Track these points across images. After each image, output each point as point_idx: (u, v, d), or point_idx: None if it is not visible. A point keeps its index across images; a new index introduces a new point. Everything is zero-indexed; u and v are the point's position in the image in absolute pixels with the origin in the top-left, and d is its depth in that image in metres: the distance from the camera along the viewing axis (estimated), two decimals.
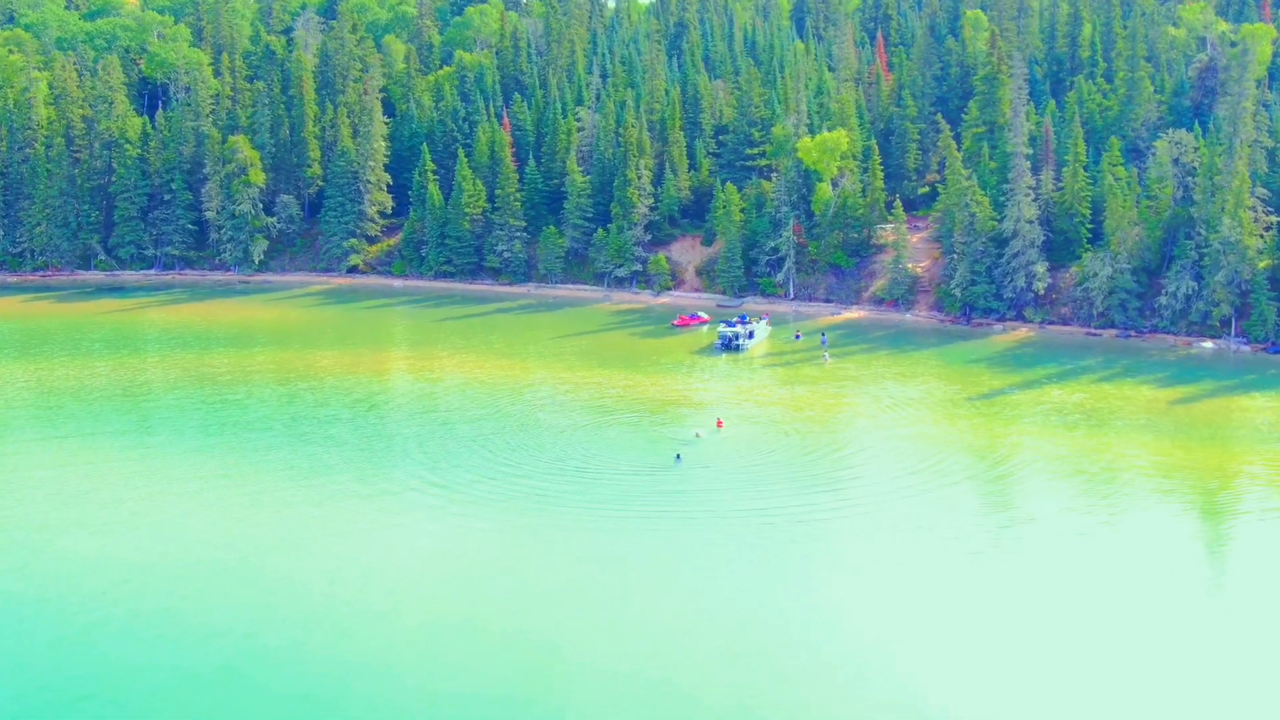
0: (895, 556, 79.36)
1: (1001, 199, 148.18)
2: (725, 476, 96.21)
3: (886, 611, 71.23)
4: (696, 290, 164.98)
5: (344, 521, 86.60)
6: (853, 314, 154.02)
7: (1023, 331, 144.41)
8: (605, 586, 75.78)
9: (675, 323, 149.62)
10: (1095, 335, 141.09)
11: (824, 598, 74.01)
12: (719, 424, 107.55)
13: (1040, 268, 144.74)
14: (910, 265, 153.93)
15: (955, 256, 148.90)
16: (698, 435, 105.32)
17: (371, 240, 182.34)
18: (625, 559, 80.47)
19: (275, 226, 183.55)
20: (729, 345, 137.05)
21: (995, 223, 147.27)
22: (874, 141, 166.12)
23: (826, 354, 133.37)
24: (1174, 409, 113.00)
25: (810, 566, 79.39)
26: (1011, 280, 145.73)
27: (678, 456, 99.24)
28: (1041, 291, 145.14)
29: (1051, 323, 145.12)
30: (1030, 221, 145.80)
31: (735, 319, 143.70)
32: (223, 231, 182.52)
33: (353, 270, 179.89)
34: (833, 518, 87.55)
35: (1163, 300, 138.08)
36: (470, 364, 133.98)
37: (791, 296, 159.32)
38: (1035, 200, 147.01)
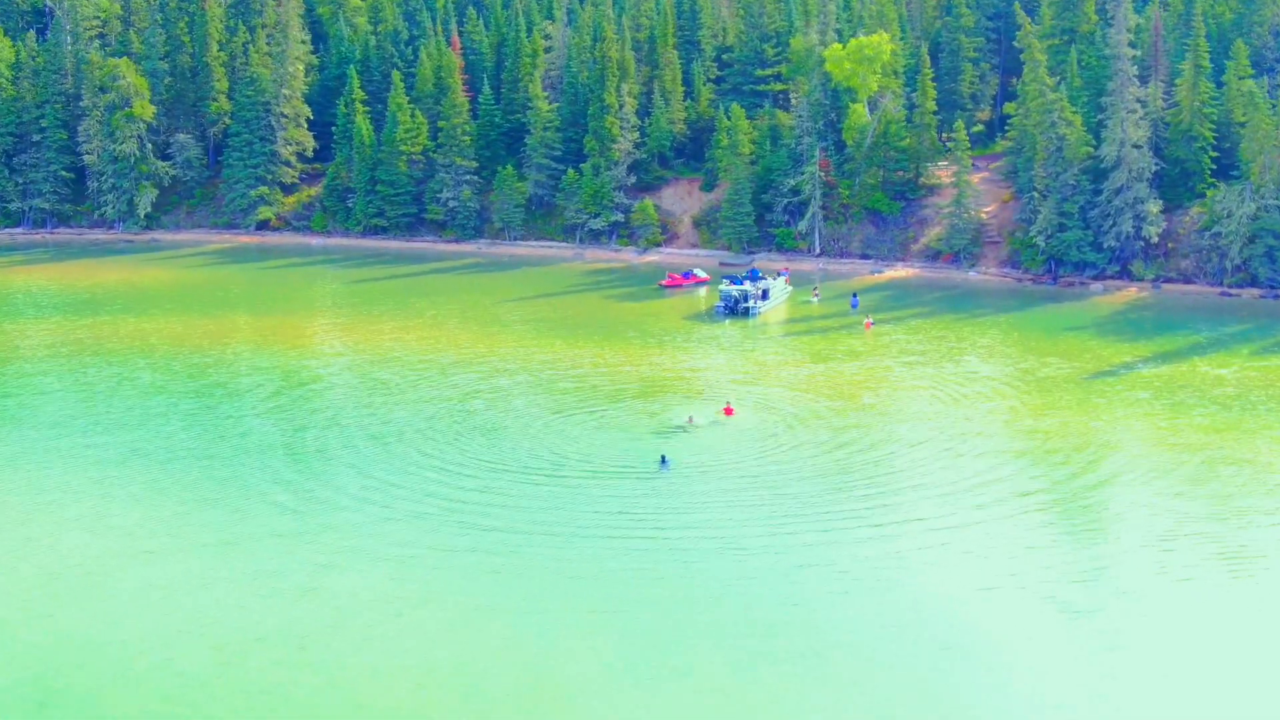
0: (989, 656, 43.22)
1: (1096, 121, 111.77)
2: (725, 492, 60.91)
3: None
4: (693, 246, 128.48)
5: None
6: (898, 272, 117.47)
7: (1131, 291, 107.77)
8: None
9: (663, 283, 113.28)
10: (1231, 295, 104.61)
11: None
12: (727, 411, 71.60)
13: (1152, 207, 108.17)
14: (974, 210, 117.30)
15: (1036, 195, 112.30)
16: (690, 421, 70.75)
17: (288, 189, 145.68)
18: (564, 664, 44.16)
19: (169, 173, 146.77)
20: (734, 308, 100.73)
21: (1090, 149, 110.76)
22: (924, 48, 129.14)
23: (862, 313, 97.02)
24: None
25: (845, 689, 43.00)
26: (1114, 225, 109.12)
27: (662, 459, 63.87)
28: (1154, 239, 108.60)
29: (1169, 280, 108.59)
30: (1138, 147, 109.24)
31: (742, 274, 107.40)
32: (103, 179, 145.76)
33: (263, 226, 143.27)
34: (879, 565, 51.94)
35: None
36: (383, 337, 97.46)
37: (817, 252, 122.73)
38: (1144, 119, 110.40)
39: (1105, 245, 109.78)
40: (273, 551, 54.26)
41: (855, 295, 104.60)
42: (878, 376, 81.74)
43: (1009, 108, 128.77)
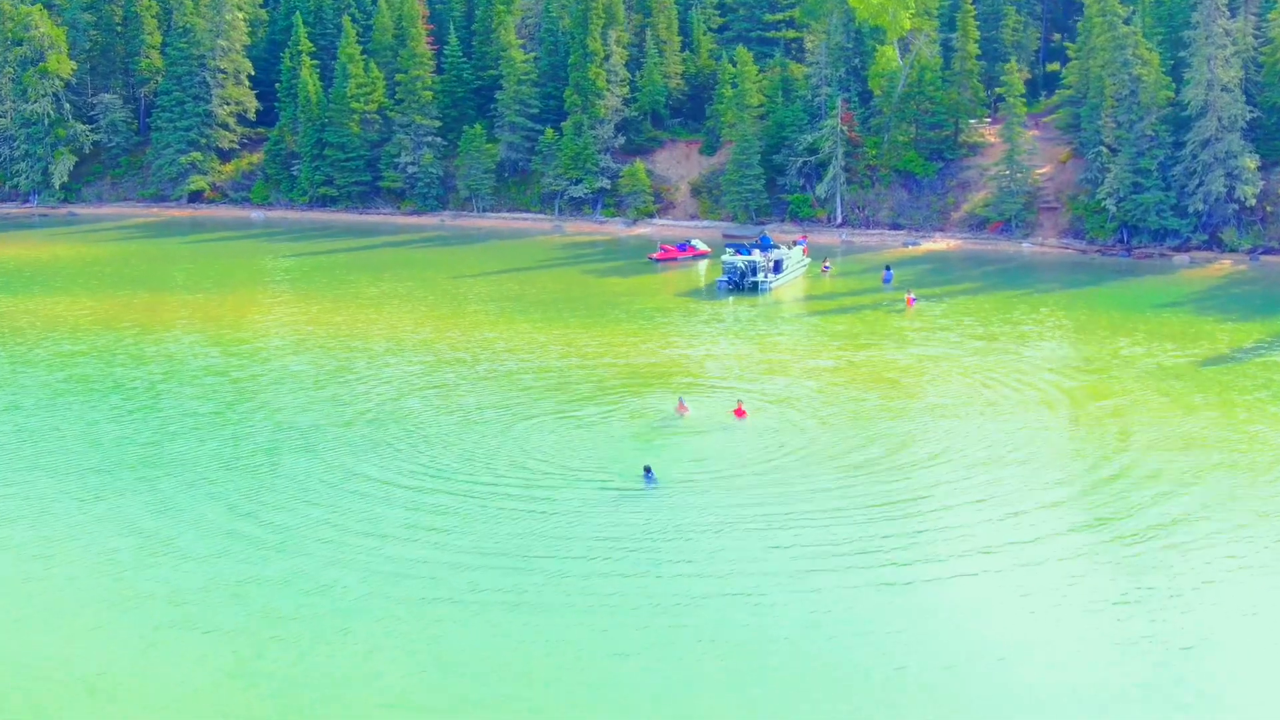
0: None
1: (1173, 62, 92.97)
2: (722, 522, 41.60)
3: None
4: (692, 217, 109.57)
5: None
6: (936, 244, 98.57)
7: (1223, 264, 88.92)
8: None
9: (654, 256, 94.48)
10: None
11: None
12: (739, 413, 52.72)
13: (1248, 163, 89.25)
14: (1028, 171, 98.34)
15: (1104, 151, 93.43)
16: (681, 409, 53.16)
17: (226, 156, 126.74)
18: None
19: (91, 138, 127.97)
20: (740, 283, 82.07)
21: (1170, 94, 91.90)
22: None
23: (898, 288, 78.03)
24: None
25: None
26: (1201, 185, 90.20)
27: (647, 471, 45.21)
28: (1251, 201, 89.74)
29: (1268, 250, 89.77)
30: (1228, 90, 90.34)
31: (750, 242, 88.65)
32: (15, 145, 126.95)
33: (196, 198, 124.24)
34: (935, 619, 33.01)
35: None
36: (305, 319, 78.54)
37: (839, 221, 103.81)
38: (1234, 58, 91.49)
39: (1190, 209, 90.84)
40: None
41: (888, 268, 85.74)
42: (924, 367, 62.68)
43: (1055, 66, 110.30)
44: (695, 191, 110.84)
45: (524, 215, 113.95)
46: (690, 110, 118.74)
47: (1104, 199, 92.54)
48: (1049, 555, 38.67)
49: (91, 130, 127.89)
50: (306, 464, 48.46)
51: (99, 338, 71.21)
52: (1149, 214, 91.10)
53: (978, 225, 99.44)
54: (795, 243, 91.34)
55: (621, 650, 33.42)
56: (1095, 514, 42.50)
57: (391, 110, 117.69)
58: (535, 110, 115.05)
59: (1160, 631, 33.77)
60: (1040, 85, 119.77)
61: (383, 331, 72.55)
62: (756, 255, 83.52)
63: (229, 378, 63.08)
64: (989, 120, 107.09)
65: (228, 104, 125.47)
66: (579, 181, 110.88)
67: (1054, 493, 44.42)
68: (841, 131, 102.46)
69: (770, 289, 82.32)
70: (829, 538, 40.34)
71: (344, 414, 55.29)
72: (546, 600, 36.18)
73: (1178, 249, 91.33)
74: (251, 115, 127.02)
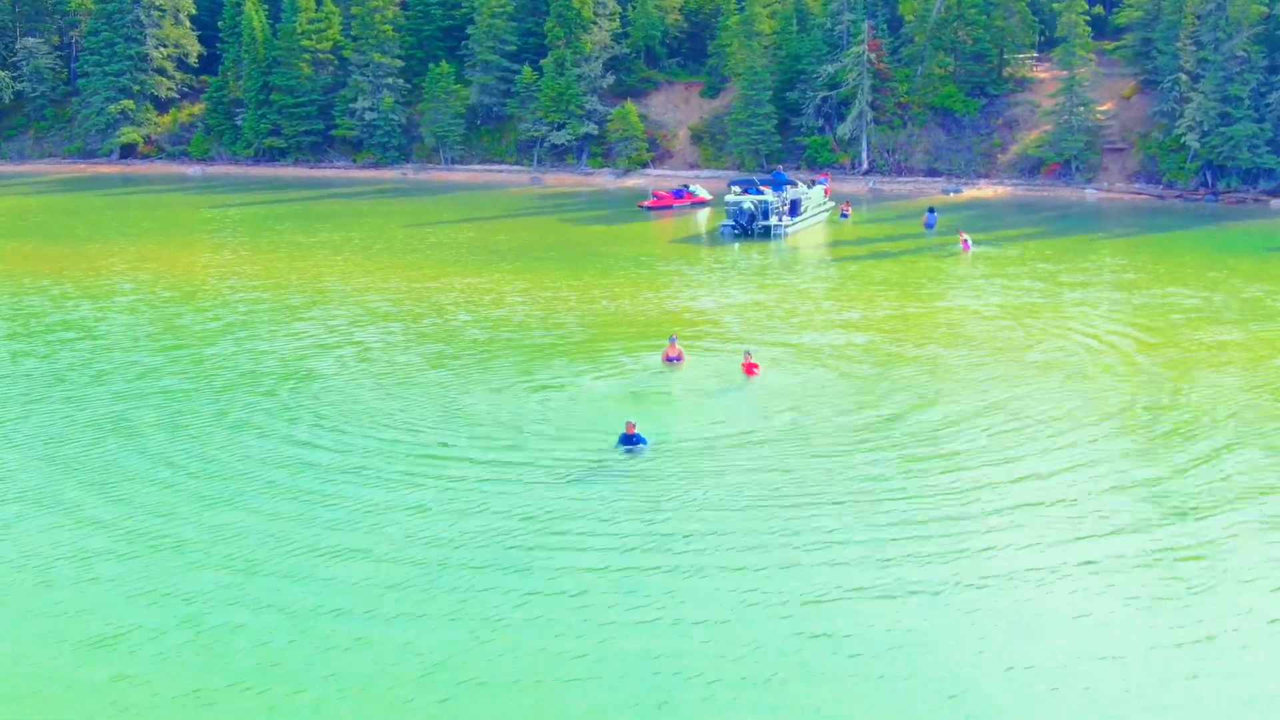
0: None
1: None
2: (722, 505, 26.13)
3: None
4: (692, 166, 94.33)
5: None
6: (982, 191, 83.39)
7: None
8: None
9: (646, 204, 79.36)
10: None
11: None
12: (749, 367, 37.50)
13: None
14: (1087, 108, 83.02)
15: (1183, 79, 78.19)
16: (674, 355, 37.79)
17: (163, 106, 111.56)
18: None
19: (11, 87, 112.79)
20: (748, 227, 66.84)
21: (1264, 6, 76.64)
22: None
23: (942, 233, 62.57)
24: None
25: None
26: None
27: (631, 439, 30.26)
28: None
29: None
30: None
31: (760, 180, 73.53)
32: None
33: (129, 153, 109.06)
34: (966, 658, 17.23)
35: None
36: (205, 267, 63.48)
37: (865, 167, 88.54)
38: None
39: None
40: None
41: (931, 210, 70.54)
42: (982, 323, 47.17)
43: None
44: (696, 138, 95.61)
45: (498, 167, 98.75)
46: (690, 50, 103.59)
47: (1184, 134, 77.33)
48: (1120, 553, 23.60)
49: (13, 78, 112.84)
50: (169, 443, 33.36)
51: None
52: (1239, 150, 75.79)
53: (1029, 169, 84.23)
54: (815, 182, 76.27)
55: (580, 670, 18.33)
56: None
57: (348, 49, 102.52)
58: (512, 48, 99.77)
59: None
60: (1096, 24, 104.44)
61: (300, 281, 57.38)
62: (769, 195, 68.24)
63: (95, 330, 47.88)
64: (1035, 57, 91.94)
65: (165, 46, 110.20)
66: (561, 126, 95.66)
67: (1145, 473, 29.20)
68: (868, 61, 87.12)
69: (785, 234, 67.10)
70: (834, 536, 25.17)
71: (225, 378, 40.21)
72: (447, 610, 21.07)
73: (1273, 193, 76.06)
74: (193, 61, 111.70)
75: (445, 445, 32.09)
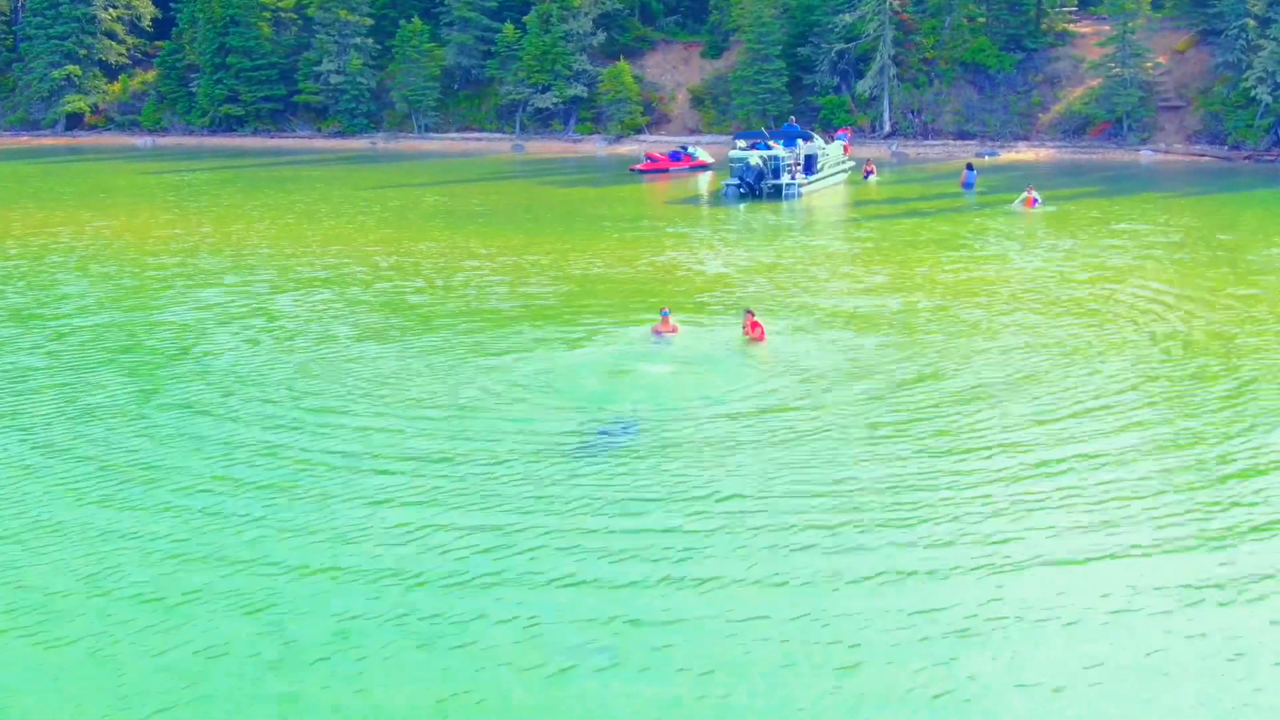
0: None
1: None
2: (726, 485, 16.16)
3: None
4: (691, 131, 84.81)
5: None
6: (1022, 154, 73.95)
7: None
8: None
9: (638, 167, 69.83)
10: None
11: None
12: (752, 328, 27.75)
13: None
14: (1140, 59, 73.43)
15: (1250, 23, 68.66)
16: (666, 327, 27.88)
17: (112, 73, 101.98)
18: None
19: None
20: (755, 186, 57.27)
21: None
22: None
23: (981, 191, 52.93)
24: None
25: None
26: None
27: (618, 428, 20.27)
28: None
29: None
30: None
31: (770, 134, 63.87)
32: None
33: (76, 124, 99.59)
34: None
35: None
36: (110, 227, 53.91)
37: (887, 130, 79.06)
38: None
39: None
40: None
41: (970, 168, 60.85)
42: (1061, 286, 37.27)
43: None
44: (696, 101, 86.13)
45: (477, 134, 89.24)
46: (690, 9, 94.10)
47: (1253, 88, 67.80)
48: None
49: None
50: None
51: None
52: None
53: (1075, 130, 74.73)
54: (834, 137, 66.66)
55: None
56: None
57: (312, 6, 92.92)
58: (493, 3, 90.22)
59: None
60: None
61: (226, 243, 47.83)
62: (779, 149, 58.61)
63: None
64: (1074, 10, 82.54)
65: (114, 6, 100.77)
66: (546, 89, 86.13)
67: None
68: (890, 10, 77.49)
69: (800, 195, 57.51)
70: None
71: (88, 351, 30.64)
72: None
73: None
74: (146, 24, 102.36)
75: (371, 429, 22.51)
